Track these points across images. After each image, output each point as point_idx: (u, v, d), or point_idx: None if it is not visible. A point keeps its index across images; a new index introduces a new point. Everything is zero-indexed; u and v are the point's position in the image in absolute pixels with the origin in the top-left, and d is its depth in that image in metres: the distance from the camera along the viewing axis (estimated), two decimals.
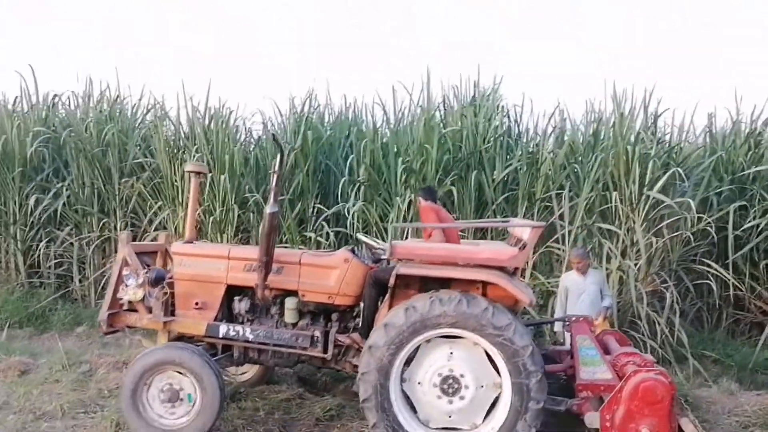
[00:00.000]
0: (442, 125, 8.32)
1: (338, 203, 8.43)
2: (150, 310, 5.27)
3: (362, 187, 8.13)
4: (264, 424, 5.19)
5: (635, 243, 7.57)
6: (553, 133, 8.58)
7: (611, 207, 7.73)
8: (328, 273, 5.01)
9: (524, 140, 8.67)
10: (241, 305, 5.26)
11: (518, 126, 8.99)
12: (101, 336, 7.23)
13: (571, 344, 5.07)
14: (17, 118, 9.17)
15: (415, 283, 4.77)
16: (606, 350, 5.20)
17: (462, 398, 4.52)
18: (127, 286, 5.28)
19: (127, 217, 9.09)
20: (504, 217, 8.07)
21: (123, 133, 9.20)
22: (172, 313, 5.32)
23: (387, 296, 4.78)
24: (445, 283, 4.65)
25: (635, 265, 7.41)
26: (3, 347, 7.24)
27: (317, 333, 5.07)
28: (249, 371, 6.19)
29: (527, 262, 7.98)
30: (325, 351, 5.05)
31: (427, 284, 4.71)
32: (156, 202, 8.75)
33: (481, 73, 9.79)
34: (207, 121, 8.79)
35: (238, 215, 8.33)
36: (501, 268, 4.59)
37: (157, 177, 8.85)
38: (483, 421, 4.59)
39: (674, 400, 4.27)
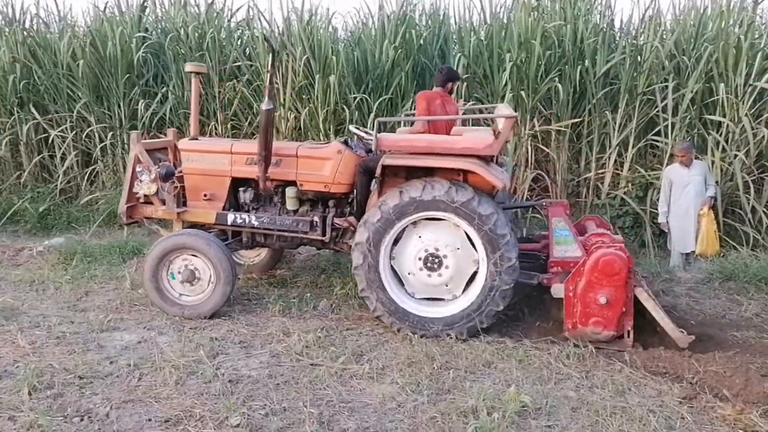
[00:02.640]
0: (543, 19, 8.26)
1: None
2: (164, 203, 5.83)
3: (464, 84, 8.24)
4: None
5: (737, 136, 7.66)
6: (652, 21, 8.45)
7: (716, 99, 7.78)
8: (323, 164, 5.45)
9: (626, 30, 8.58)
10: (246, 195, 5.79)
11: (611, 13, 8.84)
12: None
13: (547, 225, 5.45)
14: (117, 24, 9.30)
15: (401, 171, 5.17)
16: (583, 233, 5.62)
17: (441, 275, 5.04)
18: (141, 181, 5.81)
19: (228, 120, 9.37)
20: (602, 111, 8.19)
21: (220, 35, 9.31)
22: (184, 204, 5.90)
23: (376, 184, 5.23)
24: (429, 171, 5.04)
25: (743, 155, 7.52)
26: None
27: (316, 218, 5.59)
28: (260, 255, 6.81)
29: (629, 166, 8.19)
30: (323, 234, 5.59)
31: (412, 173, 5.12)
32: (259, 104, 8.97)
33: None
34: (305, 22, 8.84)
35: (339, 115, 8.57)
36: (479, 157, 4.93)
37: (257, 80, 9.04)
38: (461, 293, 5.09)
39: (630, 273, 4.67)
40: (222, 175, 5.74)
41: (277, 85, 8.70)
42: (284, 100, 8.77)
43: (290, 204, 5.65)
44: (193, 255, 5.38)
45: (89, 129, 9.45)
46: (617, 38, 8.59)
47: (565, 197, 8.59)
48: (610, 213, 8.05)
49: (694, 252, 6.97)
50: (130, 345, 4.77)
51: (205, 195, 5.80)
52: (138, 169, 5.82)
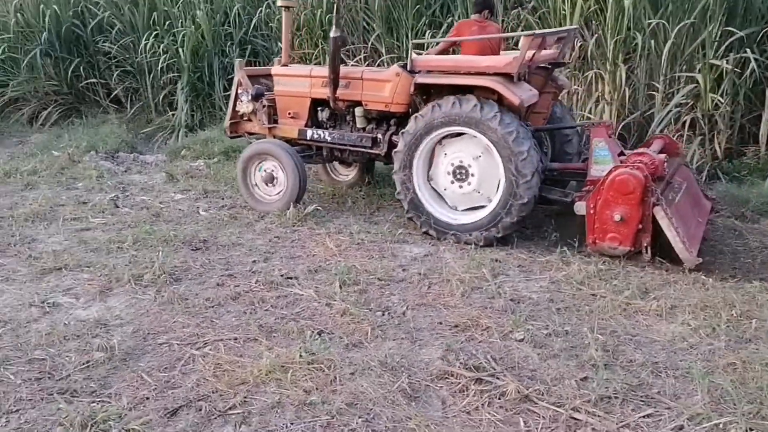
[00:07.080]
0: None
1: (749, 25, 7.57)
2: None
3: None
4: None
5: None
6: None
7: None
8: (384, 85, 5.93)
9: None
10: (323, 114, 6.52)
11: None
12: None
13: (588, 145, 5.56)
14: None
15: (445, 90, 5.46)
16: None
17: (469, 184, 5.53)
18: (241, 101, 6.78)
19: (509, 48, 9.29)
20: None
21: None
22: (276, 122, 6.72)
23: (421, 102, 5.71)
24: (468, 90, 5.33)
25: None
26: None
27: (379, 135, 6.15)
28: (352, 172, 7.54)
29: None
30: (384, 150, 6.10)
31: (455, 92, 5.36)
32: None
33: None
34: None
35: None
36: (502, 75, 5.15)
37: (544, 7, 8.81)
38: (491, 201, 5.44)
39: (647, 192, 4.62)
40: (303, 96, 6.51)
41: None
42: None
43: (359, 122, 6.27)
44: (271, 160, 6.27)
45: (380, 60, 10.14)
46: None
47: None
48: None
49: None
50: (419, 257, 5.18)
51: (290, 114, 6.63)
52: (239, 91, 6.82)
